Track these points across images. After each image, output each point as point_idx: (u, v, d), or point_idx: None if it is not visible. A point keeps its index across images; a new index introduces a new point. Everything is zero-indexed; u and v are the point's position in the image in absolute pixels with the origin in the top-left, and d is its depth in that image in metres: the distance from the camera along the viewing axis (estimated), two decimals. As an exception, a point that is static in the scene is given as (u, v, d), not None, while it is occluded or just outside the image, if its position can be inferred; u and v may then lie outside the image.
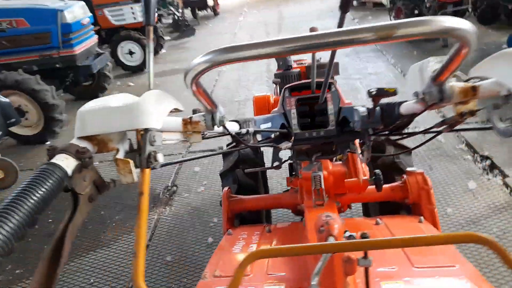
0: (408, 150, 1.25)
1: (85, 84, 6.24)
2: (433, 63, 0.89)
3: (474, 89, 0.83)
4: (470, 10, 5.67)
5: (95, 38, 5.92)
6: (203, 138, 0.98)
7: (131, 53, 7.49)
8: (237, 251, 1.32)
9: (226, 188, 1.74)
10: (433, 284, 1.00)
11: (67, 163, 0.61)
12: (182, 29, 10.34)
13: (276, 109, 1.52)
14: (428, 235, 0.66)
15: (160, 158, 0.75)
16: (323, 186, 1.46)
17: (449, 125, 0.97)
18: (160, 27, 8.89)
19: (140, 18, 7.34)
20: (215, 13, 13.09)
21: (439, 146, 3.68)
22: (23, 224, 0.49)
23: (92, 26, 5.82)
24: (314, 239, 1.20)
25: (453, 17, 0.64)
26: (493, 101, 0.82)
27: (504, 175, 3.11)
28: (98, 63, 5.68)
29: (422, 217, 1.46)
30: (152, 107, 0.72)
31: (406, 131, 1.18)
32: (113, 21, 7.38)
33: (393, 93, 0.97)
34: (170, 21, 10.93)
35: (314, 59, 1.39)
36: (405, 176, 1.63)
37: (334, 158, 1.66)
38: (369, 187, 1.60)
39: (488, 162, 3.31)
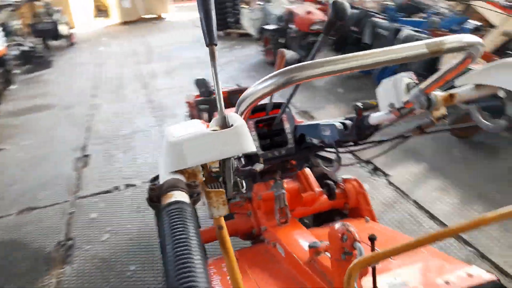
0: (381, 154, 1.37)
1: None
2: (406, 78, 1.03)
3: (451, 96, 0.98)
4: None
5: None
6: None
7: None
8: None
9: None
10: (417, 269, 1.10)
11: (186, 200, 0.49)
12: (34, 61, 9.16)
13: None
14: (440, 231, 0.70)
15: (244, 184, 0.68)
16: (287, 204, 1.50)
17: (420, 129, 1.12)
18: (8, 60, 7.66)
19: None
20: (71, 43, 12.01)
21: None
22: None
23: None
24: (301, 253, 1.21)
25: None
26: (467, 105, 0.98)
27: (386, 175, 3.65)
28: None
29: (367, 217, 1.62)
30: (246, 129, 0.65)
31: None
32: None
33: (376, 105, 1.07)
34: (17, 52, 9.53)
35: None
36: (342, 183, 1.79)
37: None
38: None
39: (371, 166, 3.83)
